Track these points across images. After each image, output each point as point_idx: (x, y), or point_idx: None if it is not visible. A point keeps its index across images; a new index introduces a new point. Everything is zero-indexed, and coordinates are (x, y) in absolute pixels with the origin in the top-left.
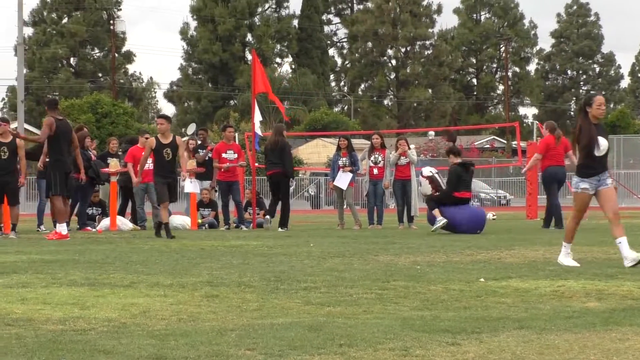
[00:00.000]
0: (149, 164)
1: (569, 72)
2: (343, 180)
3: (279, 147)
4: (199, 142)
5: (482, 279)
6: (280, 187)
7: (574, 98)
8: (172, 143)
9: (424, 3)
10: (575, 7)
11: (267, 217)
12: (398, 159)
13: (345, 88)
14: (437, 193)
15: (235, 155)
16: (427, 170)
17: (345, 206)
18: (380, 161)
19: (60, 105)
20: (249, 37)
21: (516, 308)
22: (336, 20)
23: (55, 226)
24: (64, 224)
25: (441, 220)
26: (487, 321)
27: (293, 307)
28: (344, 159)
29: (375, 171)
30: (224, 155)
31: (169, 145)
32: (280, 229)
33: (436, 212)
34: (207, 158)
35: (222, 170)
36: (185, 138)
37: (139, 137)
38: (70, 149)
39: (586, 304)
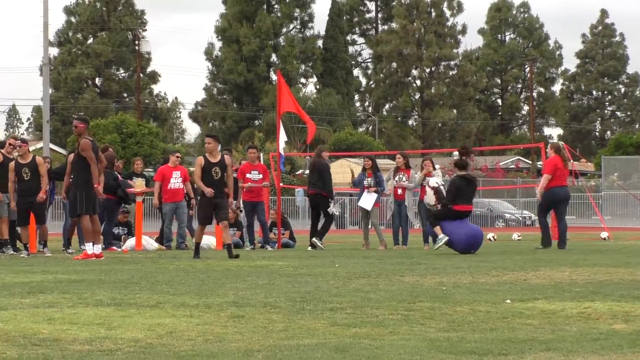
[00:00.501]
0: (175, 183)
1: (594, 92)
2: (368, 200)
3: (317, 168)
4: None
5: (508, 301)
6: (320, 207)
7: (599, 119)
8: (221, 162)
9: (449, 23)
10: (600, 28)
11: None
12: (423, 180)
13: (370, 108)
14: (439, 205)
15: (260, 176)
16: (434, 181)
17: (370, 226)
18: (404, 182)
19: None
20: (274, 57)
21: (542, 330)
22: (361, 40)
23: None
24: (90, 244)
25: (443, 238)
26: (513, 343)
27: (319, 327)
28: (369, 179)
29: (400, 191)
30: (248, 175)
31: (218, 164)
32: (315, 239)
33: (437, 229)
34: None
35: (245, 189)
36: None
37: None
38: (101, 168)
39: (613, 325)
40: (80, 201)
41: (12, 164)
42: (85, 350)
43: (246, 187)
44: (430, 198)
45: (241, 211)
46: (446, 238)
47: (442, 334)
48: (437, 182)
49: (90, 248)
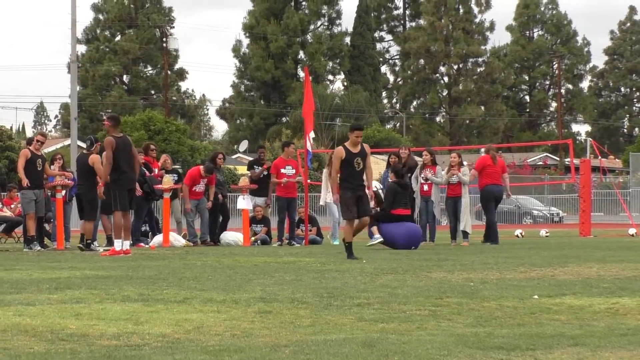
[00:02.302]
0: (201, 187)
1: (622, 89)
2: None
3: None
4: (257, 158)
5: (535, 296)
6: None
7: (627, 115)
8: (362, 152)
9: (477, 20)
10: (628, 24)
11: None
12: (450, 178)
13: (397, 105)
14: (379, 208)
15: (294, 171)
16: (374, 185)
17: None
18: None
19: None
20: (301, 54)
21: (570, 325)
22: (388, 37)
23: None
24: (120, 240)
25: (378, 238)
26: (541, 338)
27: (346, 323)
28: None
29: (426, 188)
30: (282, 170)
31: (360, 155)
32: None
33: (374, 229)
34: (262, 175)
35: (282, 185)
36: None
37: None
38: (132, 164)
39: None
40: (114, 198)
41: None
42: (113, 345)
43: (283, 182)
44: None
45: (269, 207)
46: (380, 239)
47: (469, 330)
48: (376, 187)
49: (119, 245)
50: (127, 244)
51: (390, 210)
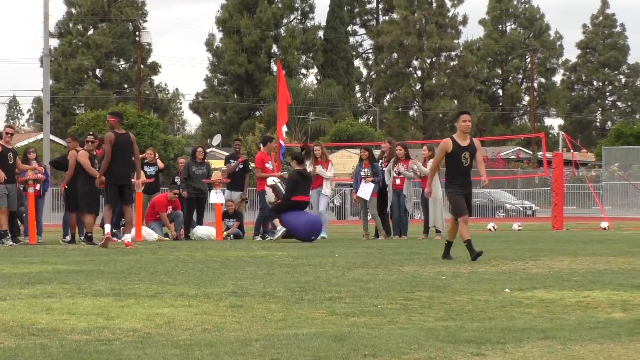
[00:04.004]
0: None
1: (594, 83)
2: (365, 191)
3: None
4: (233, 152)
5: (507, 290)
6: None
7: (600, 109)
8: (471, 146)
9: (450, 14)
10: (601, 18)
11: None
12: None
13: (371, 99)
14: (279, 200)
15: (272, 166)
16: (271, 180)
17: (370, 217)
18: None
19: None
20: (275, 48)
21: (541, 318)
22: (362, 31)
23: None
24: (108, 225)
25: (281, 230)
26: (511, 331)
27: (318, 317)
28: (366, 169)
29: (398, 182)
30: (267, 165)
31: (468, 149)
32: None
33: (276, 221)
34: (237, 169)
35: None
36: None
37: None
38: (129, 160)
39: (611, 314)
40: (104, 192)
41: (85, 153)
42: (83, 340)
43: (264, 176)
44: (270, 196)
45: (246, 202)
46: (283, 230)
47: (440, 323)
48: (274, 180)
49: (107, 228)
50: (128, 236)
51: (290, 197)
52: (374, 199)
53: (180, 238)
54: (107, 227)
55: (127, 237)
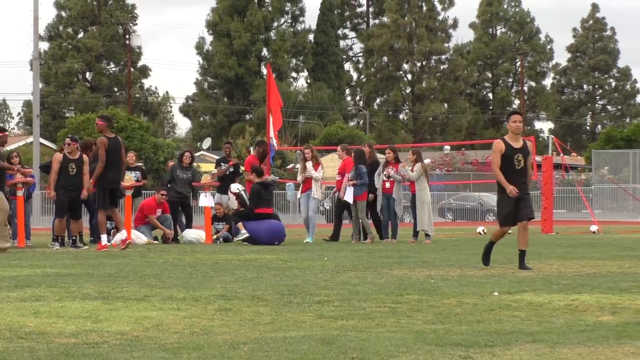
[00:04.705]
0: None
1: (584, 86)
2: (348, 193)
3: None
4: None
5: (496, 293)
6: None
7: (590, 113)
8: (524, 148)
9: (440, 18)
10: (591, 22)
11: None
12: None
13: (361, 102)
14: (242, 208)
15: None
16: (235, 188)
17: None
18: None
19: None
20: (265, 51)
21: (529, 322)
22: (352, 34)
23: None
24: (105, 235)
25: (244, 234)
26: (500, 335)
27: (306, 320)
28: (351, 172)
29: (388, 185)
30: None
31: (521, 151)
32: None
33: (240, 225)
34: (227, 172)
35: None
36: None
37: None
38: (119, 164)
39: (600, 317)
40: (97, 196)
41: (59, 156)
42: (71, 343)
43: (252, 179)
44: (233, 203)
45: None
46: (247, 235)
47: (428, 326)
48: (237, 188)
49: (105, 239)
50: (119, 237)
51: (254, 210)
52: (362, 202)
53: (170, 236)
54: (104, 239)
55: (118, 238)
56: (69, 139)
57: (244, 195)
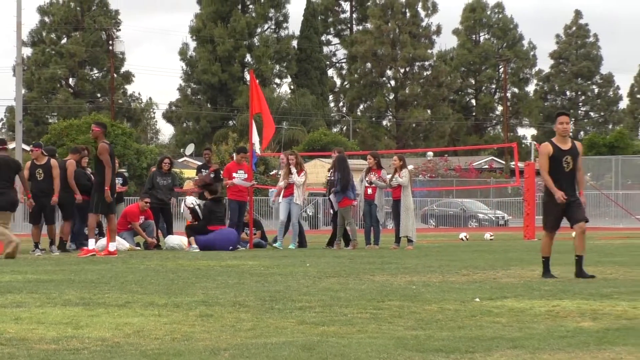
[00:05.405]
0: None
1: (567, 93)
2: (334, 200)
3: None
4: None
5: (477, 299)
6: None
7: (573, 119)
8: (573, 149)
9: (423, 24)
10: (574, 28)
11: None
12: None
13: (344, 108)
14: (196, 222)
15: (246, 175)
16: (190, 202)
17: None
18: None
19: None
20: (248, 57)
21: (510, 328)
22: (335, 41)
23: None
24: (93, 240)
25: (195, 249)
26: (481, 341)
27: (287, 326)
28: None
29: (370, 191)
30: (234, 174)
31: (570, 152)
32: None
33: (192, 240)
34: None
35: (228, 186)
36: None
37: None
38: (114, 170)
39: (580, 323)
40: (95, 201)
41: (28, 164)
42: (52, 349)
43: (229, 183)
44: (187, 216)
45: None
46: (197, 250)
47: (409, 332)
48: (192, 202)
49: (92, 244)
50: (113, 245)
51: (206, 226)
52: (347, 208)
53: (153, 241)
54: (92, 243)
55: (113, 246)
56: (32, 145)
57: (198, 210)
